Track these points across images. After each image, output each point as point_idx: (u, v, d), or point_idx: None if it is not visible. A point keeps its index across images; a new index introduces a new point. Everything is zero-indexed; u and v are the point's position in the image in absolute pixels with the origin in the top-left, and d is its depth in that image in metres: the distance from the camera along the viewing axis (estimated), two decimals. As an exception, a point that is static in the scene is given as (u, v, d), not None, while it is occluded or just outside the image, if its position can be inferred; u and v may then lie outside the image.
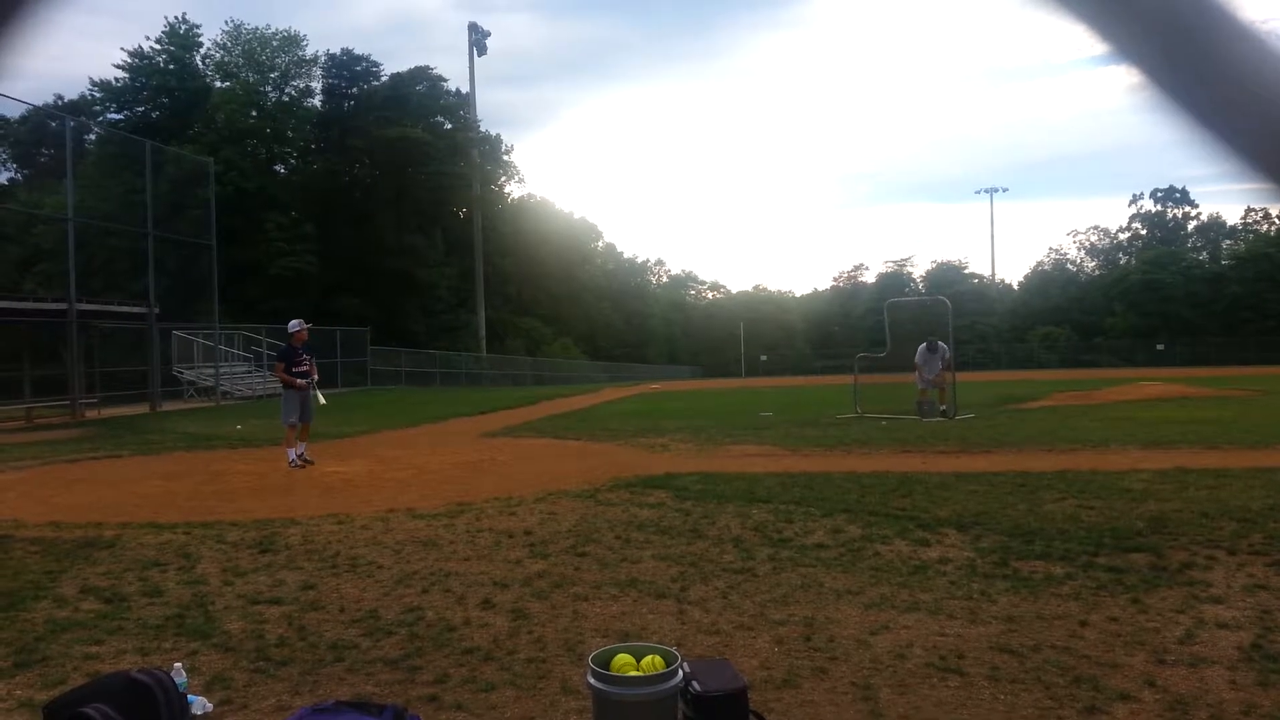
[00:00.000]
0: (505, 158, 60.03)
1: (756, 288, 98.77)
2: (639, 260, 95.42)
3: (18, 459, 13.10)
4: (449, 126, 52.40)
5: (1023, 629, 4.44)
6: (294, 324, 12.18)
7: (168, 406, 24.78)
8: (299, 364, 11.86)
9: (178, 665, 3.81)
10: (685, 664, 3.37)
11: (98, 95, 46.36)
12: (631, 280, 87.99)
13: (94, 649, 4.44)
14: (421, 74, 51.81)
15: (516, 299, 61.23)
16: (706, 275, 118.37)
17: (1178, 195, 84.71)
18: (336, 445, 12.49)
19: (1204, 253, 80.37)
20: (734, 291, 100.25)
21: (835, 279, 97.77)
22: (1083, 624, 4.49)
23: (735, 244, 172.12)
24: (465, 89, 53.99)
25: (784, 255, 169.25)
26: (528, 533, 6.92)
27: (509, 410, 22.53)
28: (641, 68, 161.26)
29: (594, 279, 76.89)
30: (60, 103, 46.90)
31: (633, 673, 3.25)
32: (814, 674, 3.96)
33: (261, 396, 29.18)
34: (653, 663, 3.30)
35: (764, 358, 76.51)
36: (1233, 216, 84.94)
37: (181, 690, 3.45)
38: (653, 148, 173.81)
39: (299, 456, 11.55)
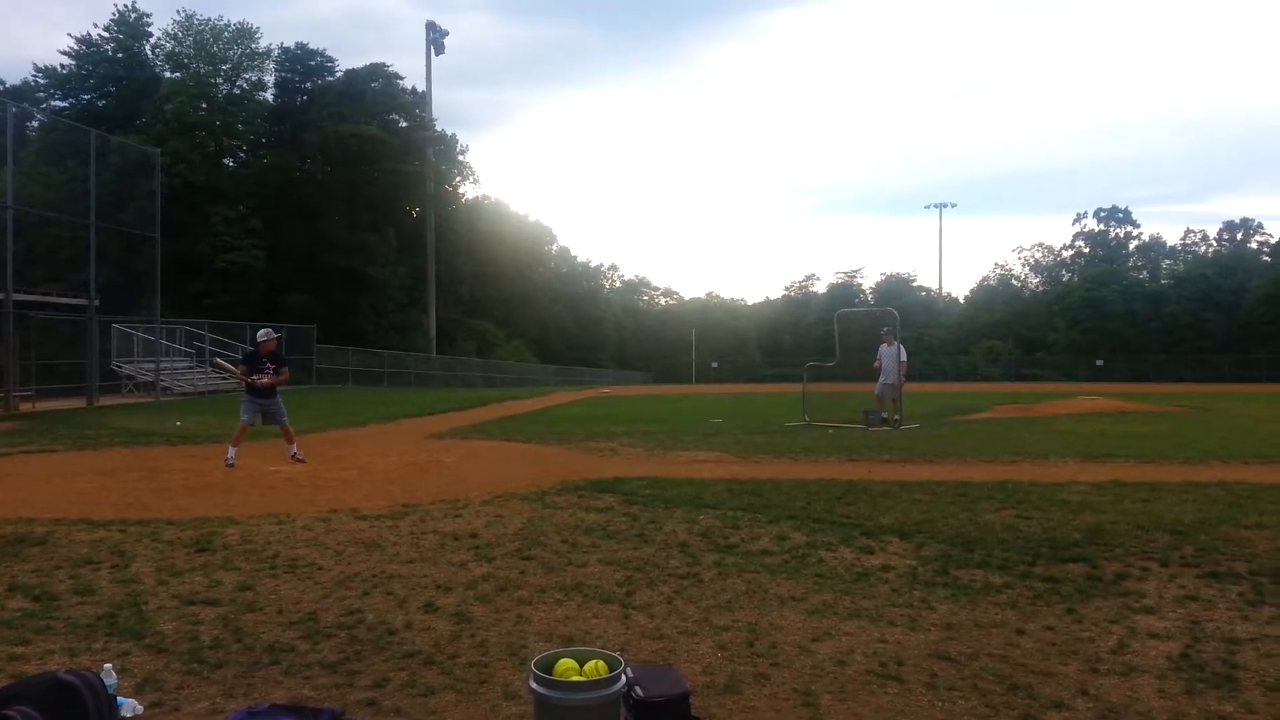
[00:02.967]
0: (460, 158, 59.76)
1: (709, 295, 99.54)
2: (592, 264, 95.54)
3: (-54, 452, 12.70)
4: (404, 125, 51.96)
5: (961, 637, 4.50)
6: (262, 333, 12.17)
7: (105, 401, 24.22)
8: (261, 370, 11.77)
9: (107, 666, 3.71)
10: (629, 669, 3.36)
11: (42, 82, 45.32)
12: (585, 284, 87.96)
13: (20, 649, 4.30)
14: (377, 71, 51.37)
15: (468, 300, 60.84)
16: (660, 281, 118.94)
17: (1120, 215, 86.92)
18: (280, 444, 12.30)
19: (1144, 272, 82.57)
20: (687, 298, 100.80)
21: (787, 288, 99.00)
22: (1019, 632, 4.56)
23: (689, 251, 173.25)
24: (422, 87, 53.62)
25: (737, 263, 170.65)
26: (473, 535, 6.87)
27: (458, 411, 22.38)
28: (601, 72, 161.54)
29: (547, 282, 76.74)
30: (2, 87, 45.69)
31: (576, 678, 3.24)
32: (756, 680, 3.97)
33: (203, 393, 28.65)
34: (596, 668, 3.28)
35: (715, 364, 76.94)
36: (1173, 237, 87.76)
37: (111, 692, 3.36)
38: (609, 153, 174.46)
39: (294, 456, 11.65)
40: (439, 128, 55.09)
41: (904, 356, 17.47)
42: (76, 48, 44.56)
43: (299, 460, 11.57)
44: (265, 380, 11.76)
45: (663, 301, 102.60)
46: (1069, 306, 72.12)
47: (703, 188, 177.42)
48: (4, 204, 22.77)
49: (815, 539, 6.66)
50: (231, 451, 11.31)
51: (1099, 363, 64.72)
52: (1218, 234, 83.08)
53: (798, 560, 6.07)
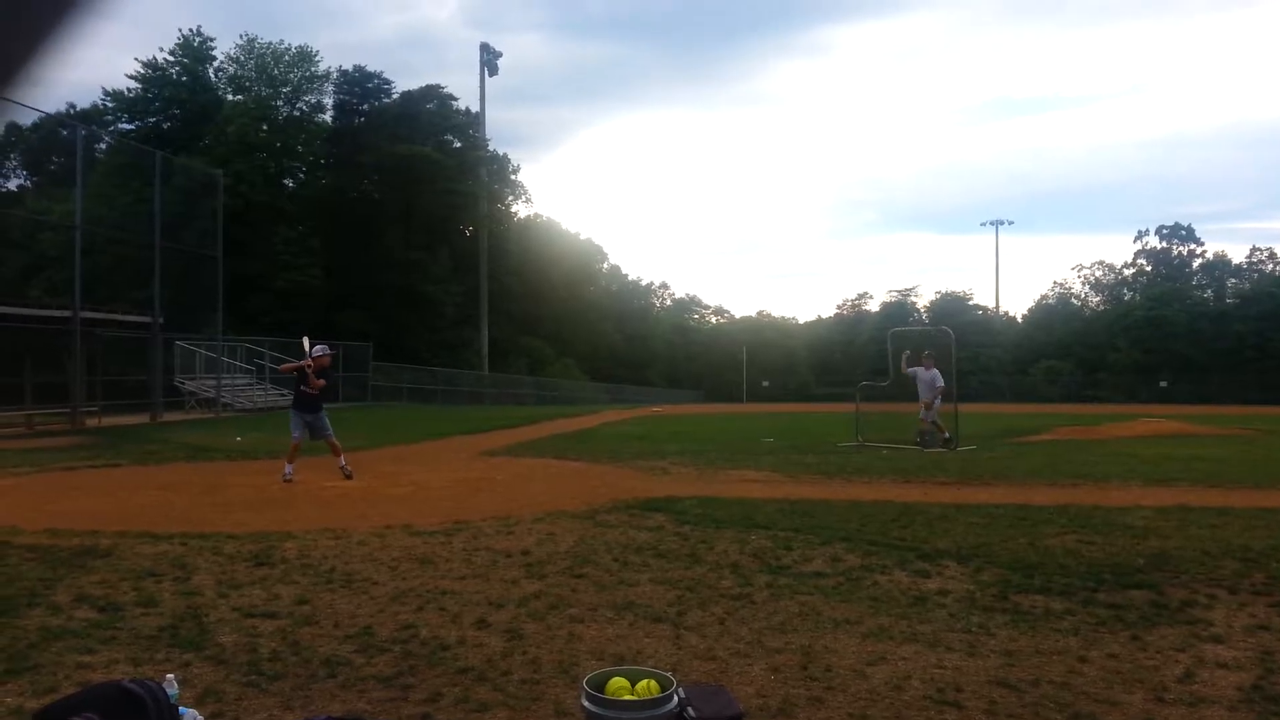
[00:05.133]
0: (513, 177, 60.37)
1: (760, 313, 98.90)
2: (643, 283, 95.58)
3: (16, 465, 13.09)
4: (458, 145, 52.69)
5: (1021, 664, 4.40)
6: (319, 349, 12.33)
7: (168, 417, 24.77)
8: (309, 381, 12.03)
9: (170, 676, 3.78)
10: (681, 689, 3.34)
11: (110, 105, 46.76)
12: (635, 302, 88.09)
13: (86, 658, 4.41)
14: (432, 92, 52.20)
15: (520, 318, 61.27)
16: (710, 299, 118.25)
17: (1183, 232, 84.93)
18: (331, 459, 12.49)
19: (1209, 290, 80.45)
20: (737, 316, 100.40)
21: (839, 307, 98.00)
22: (1082, 660, 4.45)
23: (740, 269, 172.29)
24: (476, 108, 54.35)
25: (788, 281, 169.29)
26: (525, 553, 6.89)
27: (509, 429, 22.51)
28: (653, 90, 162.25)
29: (598, 300, 77.01)
30: (72, 111, 47.29)
31: (628, 696, 3.23)
32: (810, 703, 3.92)
33: (263, 409, 29.18)
34: (648, 687, 3.27)
35: (766, 383, 76.54)
36: (1238, 255, 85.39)
37: (173, 701, 3.42)
38: (661, 170, 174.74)
39: (343, 469, 11.81)
40: (492, 148, 55.82)
41: (940, 383, 17.21)
42: (143, 71, 45.92)
43: (347, 474, 11.68)
44: (313, 393, 12.05)
45: (713, 320, 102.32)
46: (1131, 326, 70.53)
47: (755, 205, 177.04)
48: (72, 224, 23.50)
49: (870, 561, 6.57)
50: (288, 468, 11.50)
51: (1163, 384, 63.14)
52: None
53: (852, 583, 5.99)
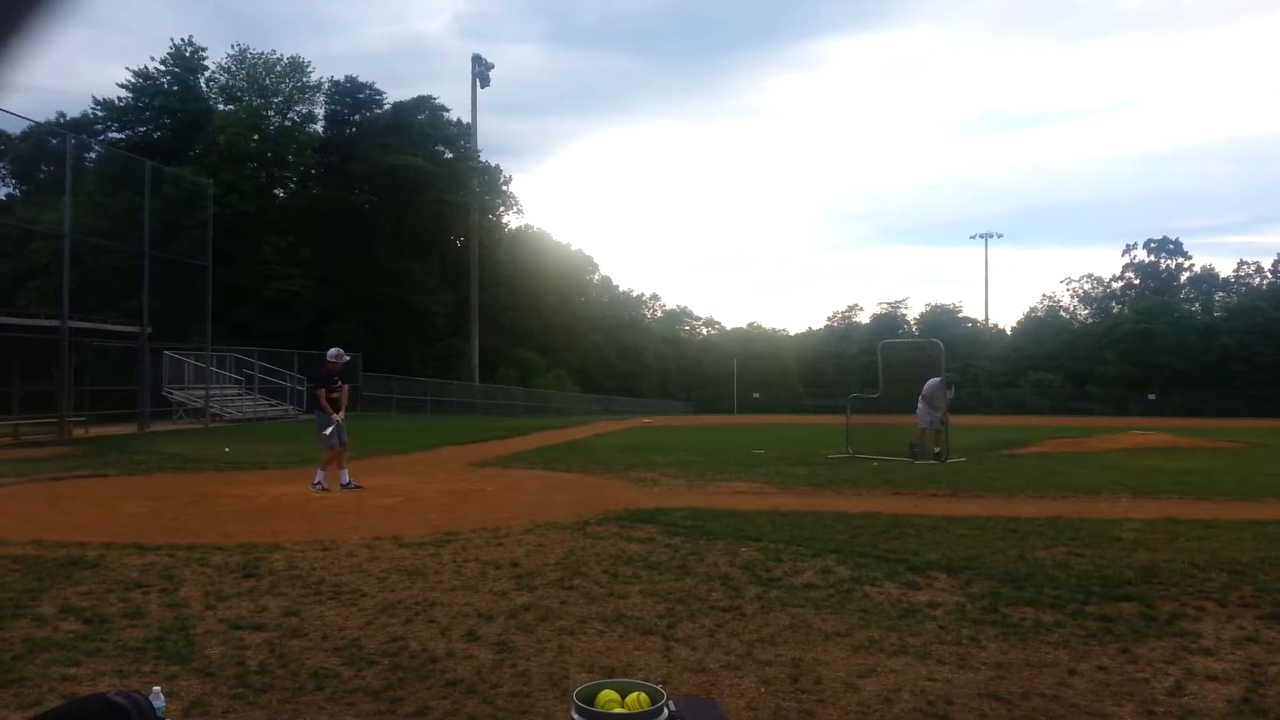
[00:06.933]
0: (504, 188, 60.37)
1: (751, 325, 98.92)
2: (634, 294, 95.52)
3: (2, 475, 12.99)
4: (449, 156, 52.68)
5: (1012, 676, 4.41)
6: (332, 352, 12.45)
7: (156, 427, 24.61)
8: (334, 389, 12.09)
9: (156, 689, 3.73)
10: (671, 702, 3.32)
11: (100, 114, 46.57)
12: (626, 314, 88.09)
13: (72, 670, 4.37)
14: (424, 103, 52.20)
15: (511, 329, 61.14)
16: (701, 311, 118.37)
17: (1171, 246, 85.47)
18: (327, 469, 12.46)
19: (1196, 304, 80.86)
20: (728, 328, 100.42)
21: (830, 318, 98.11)
22: (1071, 673, 4.45)
23: (731, 280, 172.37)
24: (467, 118, 54.36)
25: (779, 293, 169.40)
26: (514, 564, 6.87)
27: (499, 440, 22.47)
28: (645, 102, 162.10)
29: (589, 311, 76.99)
30: (62, 120, 47.09)
31: (617, 709, 3.21)
32: (801, 716, 3.91)
33: (251, 420, 29.05)
34: (638, 700, 3.25)
35: (756, 395, 76.49)
36: (1225, 269, 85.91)
37: (159, 714, 3.38)
38: (652, 182, 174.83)
39: (349, 483, 11.75)
40: (484, 158, 55.75)
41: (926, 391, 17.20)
42: (134, 81, 45.78)
43: (355, 486, 11.61)
44: (336, 394, 12.10)
45: (704, 331, 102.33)
46: (1119, 339, 70.80)
47: (746, 217, 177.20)
48: (61, 233, 23.39)
49: (860, 573, 6.57)
50: (319, 476, 11.64)
51: (1151, 396, 63.36)
52: (1273, 265, 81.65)
53: (842, 595, 5.99)
